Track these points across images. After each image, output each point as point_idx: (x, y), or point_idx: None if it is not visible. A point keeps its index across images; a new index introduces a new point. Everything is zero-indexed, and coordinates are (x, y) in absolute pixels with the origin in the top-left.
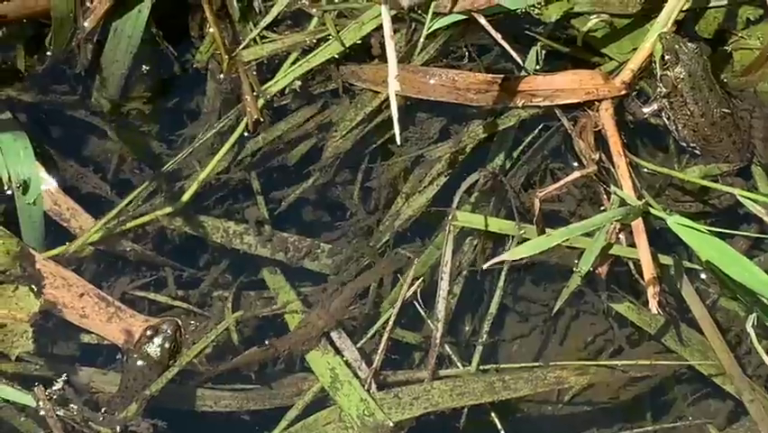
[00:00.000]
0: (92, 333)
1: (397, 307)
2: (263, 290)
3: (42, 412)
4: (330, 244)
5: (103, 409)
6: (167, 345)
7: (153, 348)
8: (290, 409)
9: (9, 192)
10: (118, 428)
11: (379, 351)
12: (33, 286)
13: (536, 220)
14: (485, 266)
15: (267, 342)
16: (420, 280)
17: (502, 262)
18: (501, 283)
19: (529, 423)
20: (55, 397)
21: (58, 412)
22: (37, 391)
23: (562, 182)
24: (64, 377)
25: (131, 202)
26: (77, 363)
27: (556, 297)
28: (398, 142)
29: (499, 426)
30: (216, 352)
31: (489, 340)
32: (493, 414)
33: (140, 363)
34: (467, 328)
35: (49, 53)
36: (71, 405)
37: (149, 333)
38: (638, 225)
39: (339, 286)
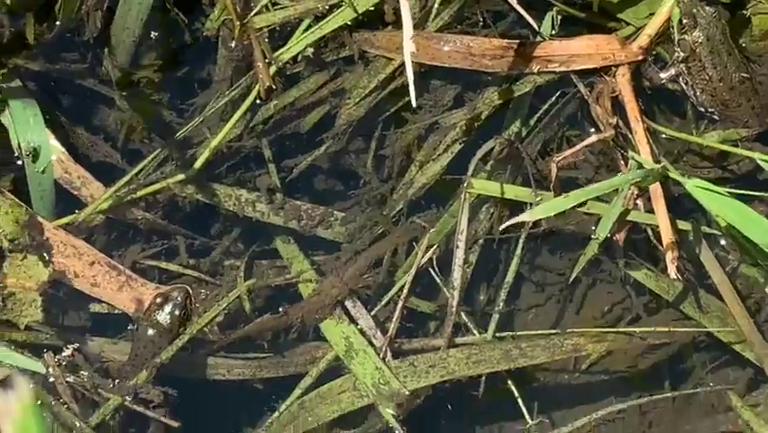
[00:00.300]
0: (102, 302)
1: (411, 274)
2: (276, 259)
3: (52, 379)
4: (343, 213)
5: (114, 378)
6: (177, 313)
7: (163, 316)
8: (304, 378)
9: (19, 161)
10: (128, 396)
11: (394, 319)
12: (43, 255)
13: (553, 186)
14: (502, 227)
15: (280, 309)
16: (435, 248)
17: (521, 226)
18: (519, 251)
19: (546, 392)
20: (65, 363)
21: (68, 379)
22: (47, 358)
23: (579, 146)
24: (74, 345)
25: (142, 170)
26: (88, 332)
27: (572, 265)
28: (414, 105)
29: (516, 393)
30: (228, 321)
31: (505, 309)
32: (510, 382)
33: (150, 331)
34: (482, 297)
35: (58, 21)
36: (81, 372)
37: (159, 300)
38: (656, 189)
39: (353, 254)
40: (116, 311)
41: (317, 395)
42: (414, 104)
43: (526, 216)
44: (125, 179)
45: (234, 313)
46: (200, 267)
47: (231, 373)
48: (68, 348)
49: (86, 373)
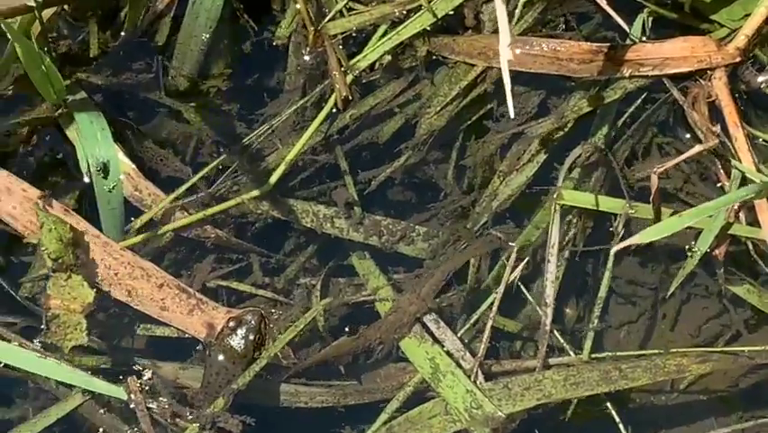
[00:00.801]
0: (171, 326)
1: (501, 291)
2: (354, 276)
3: (133, 405)
4: (425, 227)
5: (190, 405)
6: (251, 337)
7: (237, 341)
8: (390, 402)
9: (86, 179)
10: (207, 425)
11: (484, 339)
12: (88, 275)
13: (653, 198)
14: (617, 248)
15: (348, 330)
16: (525, 262)
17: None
18: (610, 265)
19: (643, 413)
20: (146, 388)
21: (149, 405)
22: (130, 383)
23: (682, 157)
24: (151, 370)
25: (214, 185)
26: (157, 357)
27: (664, 279)
28: (512, 115)
29: (617, 418)
30: (301, 344)
31: (598, 327)
32: (609, 405)
33: (222, 357)
34: (570, 312)
35: (123, 31)
36: (160, 398)
37: (231, 325)
38: (762, 202)
39: (432, 270)
40: (186, 335)
41: (406, 420)
42: (512, 114)
43: (638, 239)
44: (187, 185)
45: (308, 336)
46: (274, 285)
47: (313, 400)
48: (146, 372)
49: (165, 400)
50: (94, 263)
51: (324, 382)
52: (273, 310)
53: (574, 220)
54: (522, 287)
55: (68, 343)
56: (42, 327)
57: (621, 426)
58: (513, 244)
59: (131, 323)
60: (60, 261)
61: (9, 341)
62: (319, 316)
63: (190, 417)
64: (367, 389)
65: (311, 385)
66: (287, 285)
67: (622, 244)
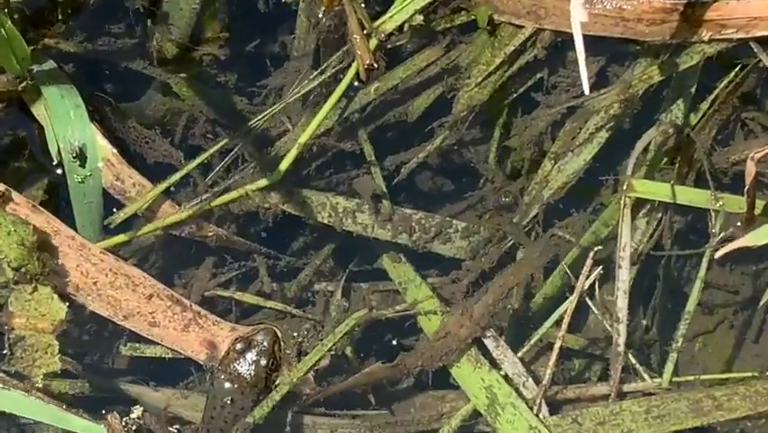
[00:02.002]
0: (163, 346)
1: (573, 304)
2: (379, 280)
3: None
4: (464, 222)
5: None
6: (263, 363)
7: (245, 367)
8: None
9: (58, 167)
10: None
11: (550, 363)
12: (60, 285)
13: (749, 189)
14: (721, 253)
15: (382, 358)
16: (599, 270)
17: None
18: (703, 273)
19: None
20: (133, 428)
21: None
22: (111, 421)
23: None
24: (141, 408)
25: (211, 174)
26: (149, 381)
27: (747, 281)
28: (586, 91)
29: None
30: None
31: (682, 346)
32: None
33: (228, 385)
34: (633, 322)
35: None
36: None
37: (239, 346)
38: None
39: (478, 277)
40: (181, 356)
41: None
42: (586, 89)
43: (748, 241)
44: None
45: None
46: (284, 293)
47: None
48: (135, 409)
49: None
50: (67, 270)
51: (348, 411)
52: (289, 328)
53: (657, 216)
54: (590, 299)
55: (37, 370)
56: (5, 351)
57: None
58: (589, 248)
59: (112, 339)
60: (24, 270)
61: None
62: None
63: None
64: (399, 421)
65: (332, 416)
66: (299, 292)
67: (728, 248)
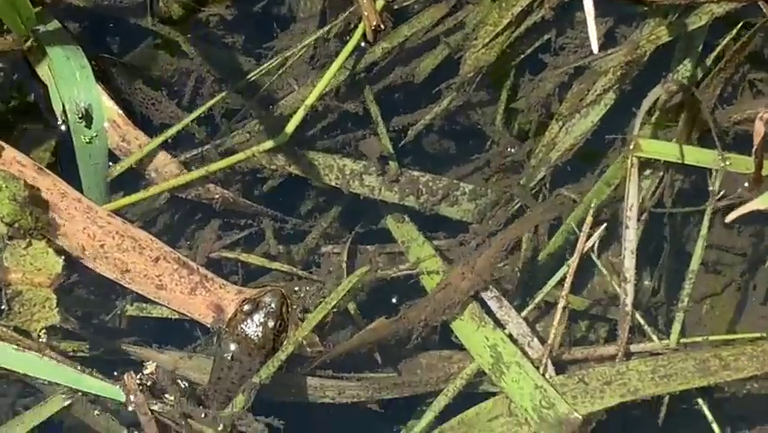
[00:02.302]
0: (170, 308)
1: (575, 263)
2: (386, 243)
3: (132, 408)
4: (471, 184)
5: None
6: (270, 324)
7: (253, 328)
8: (437, 399)
9: (63, 128)
10: (225, 429)
11: (555, 322)
12: (50, 239)
13: (757, 149)
14: (732, 217)
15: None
16: (602, 229)
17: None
18: (704, 232)
19: (733, 403)
20: (147, 384)
21: (153, 407)
22: (127, 381)
23: None
24: (153, 363)
25: (217, 135)
26: (156, 343)
27: (755, 243)
28: (595, 50)
29: (708, 414)
30: (328, 327)
31: (689, 307)
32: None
33: (235, 347)
34: (645, 284)
35: None
36: (166, 397)
37: (246, 308)
38: None
39: (484, 237)
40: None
41: (461, 423)
42: (595, 49)
43: (760, 204)
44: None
45: (336, 317)
46: (291, 255)
47: (342, 395)
48: (147, 365)
49: (172, 399)
50: (74, 233)
51: (355, 373)
52: (297, 288)
53: (659, 174)
54: (595, 256)
55: (36, 325)
56: (3, 306)
57: (715, 425)
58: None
59: (117, 301)
60: (17, 225)
61: None
62: (350, 292)
63: (205, 418)
64: (406, 381)
65: (339, 378)
66: (306, 255)
67: (739, 212)
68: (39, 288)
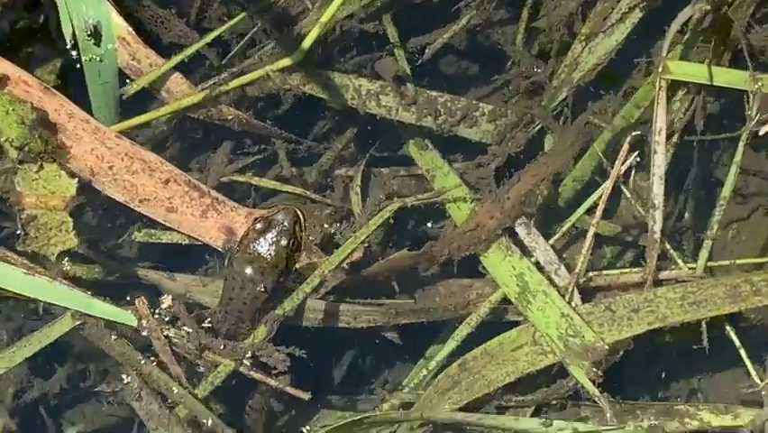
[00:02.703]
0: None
1: (607, 190)
2: (400, 165)
3: (146, 333)
4: (491, 105)
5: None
6: (283, 243)
7: (266, 247)
8: (460, 326)
9: (71, 46)
10: (244, 359)
11: (584, 250)
12: (76, 170)
13: None
14: (762, 131)
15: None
16: (636, 155)
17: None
18: (739, 158)
19: (761, 331)
20: (163, 314)
21: (167, 333)
22: (138, 305)
23: None
24: (170, 296)
25: (228, 54)
26: (166, 268)
27: None
28: None
29: (736, 340)
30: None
31: (717, 233)
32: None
33: (247, 267)
34: (674, 210)
35: None
36: (183, 327)
37: (259, 226)
38: None
39: (500, 159)
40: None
41: (485, 352)
42: None
43: None
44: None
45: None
46: (304, 178)
47: (358, 319)
48: (164, 299)
49: (188, 329)
50: (82, 154)
51: (373, 300)
52: (314, 205)
53: (689, 98)
54: (624, 184)
55: (53, 249)
56: (18, 232)
57: (742, 351)
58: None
59: (125, 226)
60: (27, 148)
61: None
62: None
63: (224, 349)
64: (425, 308)
65: (356, 303)
66: (319, 177)
67: None
68: (54, 211)
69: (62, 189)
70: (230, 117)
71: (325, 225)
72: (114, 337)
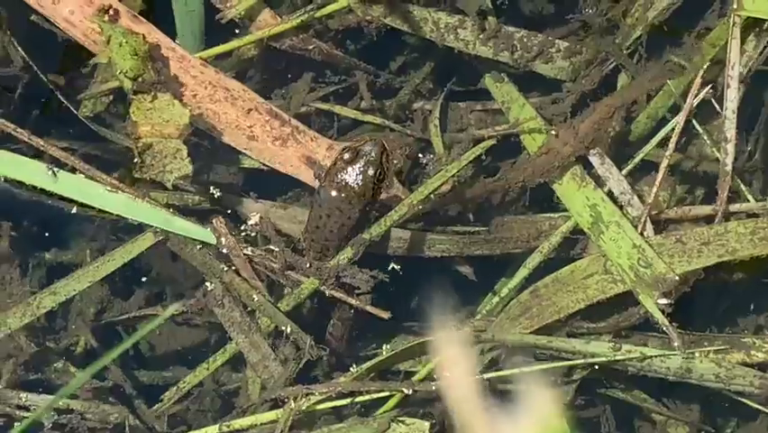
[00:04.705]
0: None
1: (682, 121)
2: (476, 101)
3: (225, 250)
4: (567, 42)
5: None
6: (370, 173)
7: (353, 176)
8: (532, 255)
9: None
10: (329, 280)
11: (657, 182)
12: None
13: None
14: None
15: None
16: (709, 88)
17: None
18: None
19: None
20: (252, 234)
21: (246, 251)
22: (215, 224)
23: None
24: (258, 214)
25: None
26: (245, 192)
27: None
28: None
29: None
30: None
31: None
32: None
33: (335, 194)
34: (744, 150)
35: None
36: (271, 246)
37: (346, 156)
38: None
39: (579, 99)
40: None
41: (555, 280)
42: None
43: None
44: None
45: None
46: (384, 111)
47: (432, 249)
48: (252, 216)
49: (276, 249)
50: (167, 82)
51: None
52: (398, 140)
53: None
54: (694, 120)
55: (169, 175)
56: (135, 160)
57: None
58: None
59: (212, 154)
60: (141, 79)
61: (72, 170)
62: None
63: (309, 268)
64: (498, 237)
65: (429, 231)
66: (398, 110)
67: None
68: (168, 139)
69: (176, 118)
70: (311, 46)
71: (407, 153)
72: (198, 246)
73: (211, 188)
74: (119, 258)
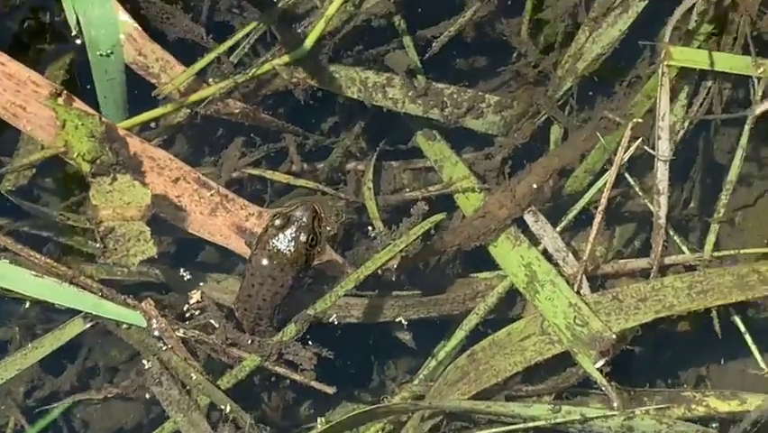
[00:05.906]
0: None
1: (612, 177)
2: (410, 158)
3: (156, 333)
4: (497, 97)
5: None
6: (302, 238)
7: (285, 243)
8: (468, 317)
9: (78, 41)
10: (271, 356)
11: (590, 238)
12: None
13: None
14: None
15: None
16: (638, 142)
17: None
18: (744, 141)
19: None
20: (195, 312)
21: (179, 333)
22: (145, 307)
23: None
24: (199, 291)
25: (236, 49)
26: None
27: None
28: None
29: (743, 329)
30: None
31: (724, 217)
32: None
33: (266, 262)
34: (679, 199)
35: None
36: (212, 321)
37: (278, 222)
38: None
39: (509, 153)
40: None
41: (493, 343)
42: None
43: None
44: (210, 55)
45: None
46: (315, 173)
47: (368, 315)
48: (193, 294)
49: (216, 325)
50: (126, 163)
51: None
52: (331, 203)
53: (708, 85)
54: (625, 173)
55: (133, 259)
56: (98, 245)
57: (748, 337)
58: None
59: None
60: (99, 161)
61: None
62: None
63: (251, 345)
64: (433, 300)
65: (364, 296)
66: (330, 172)
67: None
68: (131, 222)
69: (137, 199)
70: (236, 111)
71: (341, 219)
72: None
73: (181, 270)
74: (47, 345)
